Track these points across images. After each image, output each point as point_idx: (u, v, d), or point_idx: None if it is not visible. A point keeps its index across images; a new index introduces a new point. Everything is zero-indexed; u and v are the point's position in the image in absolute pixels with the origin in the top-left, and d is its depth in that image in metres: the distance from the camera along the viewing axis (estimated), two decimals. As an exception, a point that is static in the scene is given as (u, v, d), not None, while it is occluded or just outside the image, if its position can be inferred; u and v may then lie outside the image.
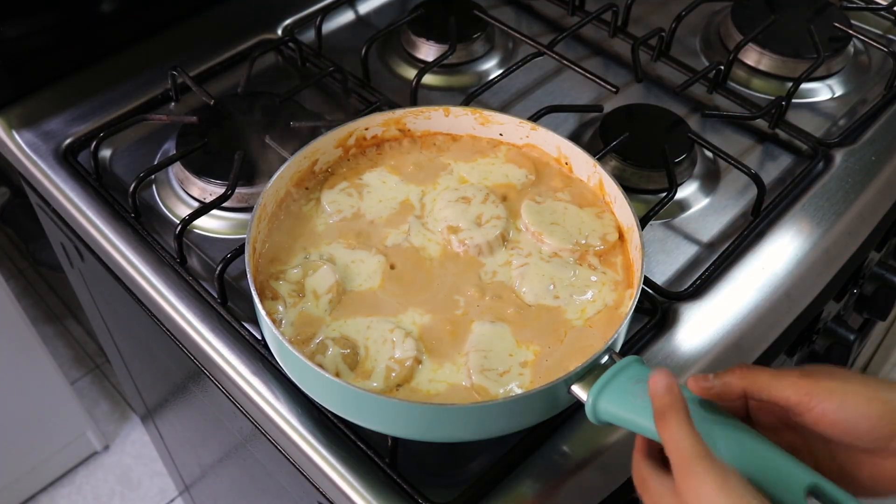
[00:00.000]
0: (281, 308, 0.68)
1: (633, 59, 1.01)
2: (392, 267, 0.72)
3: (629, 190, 0.82)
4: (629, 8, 1.08)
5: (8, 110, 0.95)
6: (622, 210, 0.73)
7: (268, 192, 0.72)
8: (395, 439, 0.66)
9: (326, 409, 0.69)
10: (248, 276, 0.66)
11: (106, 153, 0.94)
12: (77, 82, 0.99)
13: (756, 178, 0.85)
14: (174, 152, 0.88)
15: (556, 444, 0.69)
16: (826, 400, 0.52)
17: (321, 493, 0.72)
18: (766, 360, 0.82)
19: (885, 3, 1.10)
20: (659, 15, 1.11)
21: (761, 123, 0.96)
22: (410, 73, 1.01)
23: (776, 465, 0.52)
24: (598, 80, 0.95)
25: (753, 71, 1.03)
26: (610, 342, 0.62)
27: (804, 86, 1.01)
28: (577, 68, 0.97)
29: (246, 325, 0.76)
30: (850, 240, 0.88)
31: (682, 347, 0.76)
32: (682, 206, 0.89)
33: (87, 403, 1.91)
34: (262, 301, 0.66)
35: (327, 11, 1.07)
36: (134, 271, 0.82)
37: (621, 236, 0.74)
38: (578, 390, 0.60)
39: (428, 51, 1.04)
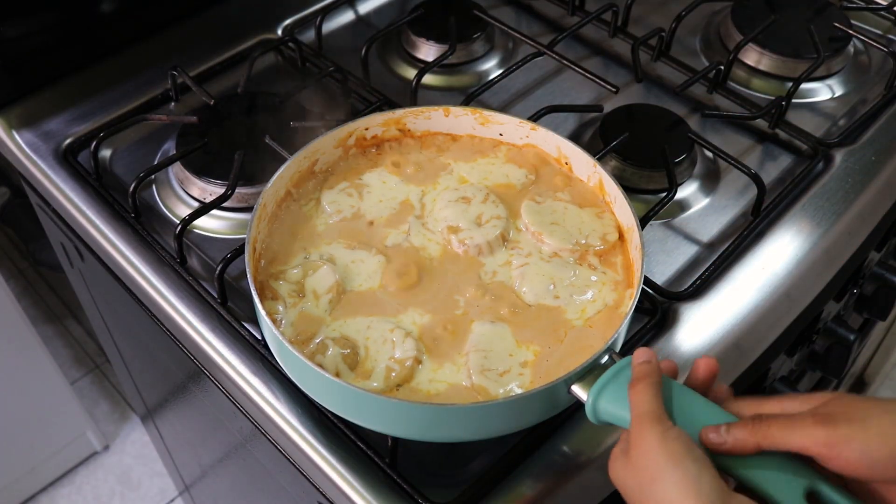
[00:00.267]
0: (281, 308, 0.68)
1: (633, 59, 1.01)
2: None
3: (629, 190, 0.82)
4: (629, 8, 1.08)
5: (8, 110, 0.95)
6: (622, 210, 0.73)
7: (268, 193, 0.72)
8: (395, 439, 0.66)
9: (326, 409, 0.69)
10: (249, 276, 0.66)
11: (106, 153, 0.94)
12: (77, 82, 0.99)
13: (756, 178, 0.85)
14: (174, 152, 0.88)
15: (556, 444, 0.69)
16: (846, 450, 0.49)
17: (321, 493, 0.72)
18: (766, 360, 0.82)
19: (885, 3, 1.10)
20: (659, 15, 1.11)
21: (761, 123, 0.96)
22: (410, 73, 1.01)
23: (774, 466, 0.52)
24: (598, 80, 0.95)
25: (753, 71, 1.03)
26: (610, 342, 0.62)
27: (804, 86, 1.01)
28: (577, 68, 0.97)
29: (246, 325, 0.76)
30: (850, 240, 0.88)
31: (682, 347, 0.76)
32: (682, 206, 0.89)
33: (87, 403, 1.91)
34: (262, 301, 0.66)
35: (327, 11, 1.07)
36: (134, 271, 0.82)
37: (621, 236, 0.74)
38: (578, 390, 0.60)
39: (428, 51, 1.04)
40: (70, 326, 2.05)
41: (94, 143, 0.89)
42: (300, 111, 0.92)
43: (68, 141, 0.93)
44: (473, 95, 0.94)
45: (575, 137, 0.95)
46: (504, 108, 0.98)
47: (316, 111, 0.94)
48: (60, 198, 0.89)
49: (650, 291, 0.79)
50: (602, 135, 0.91)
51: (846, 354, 1.03)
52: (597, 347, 0.65)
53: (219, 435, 0.99)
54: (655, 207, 0.83)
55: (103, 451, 1.88)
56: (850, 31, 1.04)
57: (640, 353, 0.58)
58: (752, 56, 1.03)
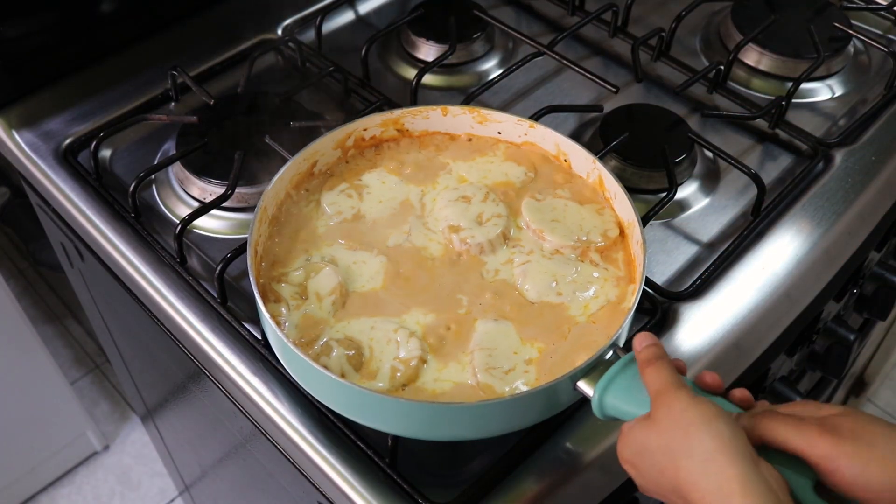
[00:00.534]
0: (284, 311, 0.68)
1: (633, 59, 1.01)
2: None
3: (629, 190, 0.81)
4: (629, 8, 1.08)
5: (8, 110, 0.95)
6: (622, 206, 0.73)
7: (268, 195, 0.72)
8: (396, 439, 0.66)
9: (327, 409, 0.69)
10: (251, 279, 0.66)
11: (106, 153, 0.94)
12: (77, 82, 0.99)
13: (756, 178, 0.85)
14: (174, 152, 0.88)
15: (556, 444, 0.69)
16: (846, 466, 0.49)
17: (321, 492, 0.72)
18: (766, 360, 0.82)
19: (885, 3, 1.10)
20: (659, 15, 1.11)
21: (761, 123, 0.96)
22: (410, 73, 1.01)
23: (787, 455, 0.52)
24: (598, 80, 0.95)
25: (753, 71, 1.03)
26: (614, 338, 0.62)
27: (804, 86, 1.01)
28: (577, 68, 0.97)
29: (246, 324, 0.76)
30: (850, 240, 0.88)
31: (682, 347, 0.76)
32: (682, 206, 0.89)
33: (87, 403, 1.91)
34: (265, 304, 0.65)
35: (327, 11, 1.07)
36: (134, 271, 0.82)
37: (622, 232, 0.74)
38: (584, 386, 0.60)
39: (428, 51, 1.04)
40: (70, 326, 2.05)
41: (94, 143, 0.89)
42: (300, 111, 0.92)
43: (68, 141, 0.93)
44: (473, 95, 0.94)
45: (575, 137, 0.94)
46: (504, 108, 0.98)
47: (316, 111, 0.94)
48: (60, 198, 0.89)
49: (650, 291, 0.79)
50: (602, 135, 0.91)
51: (846, 354, 1.03)
52: (601, 343, 0.65)
53: (219, 435, 0.99)
54: (655, 207, 0.83)
55: (103, 451, 1.88)
56: (850, 31, 1.04)
57: (643, 338, 0.59)
58: (752, 56, 1.03)
